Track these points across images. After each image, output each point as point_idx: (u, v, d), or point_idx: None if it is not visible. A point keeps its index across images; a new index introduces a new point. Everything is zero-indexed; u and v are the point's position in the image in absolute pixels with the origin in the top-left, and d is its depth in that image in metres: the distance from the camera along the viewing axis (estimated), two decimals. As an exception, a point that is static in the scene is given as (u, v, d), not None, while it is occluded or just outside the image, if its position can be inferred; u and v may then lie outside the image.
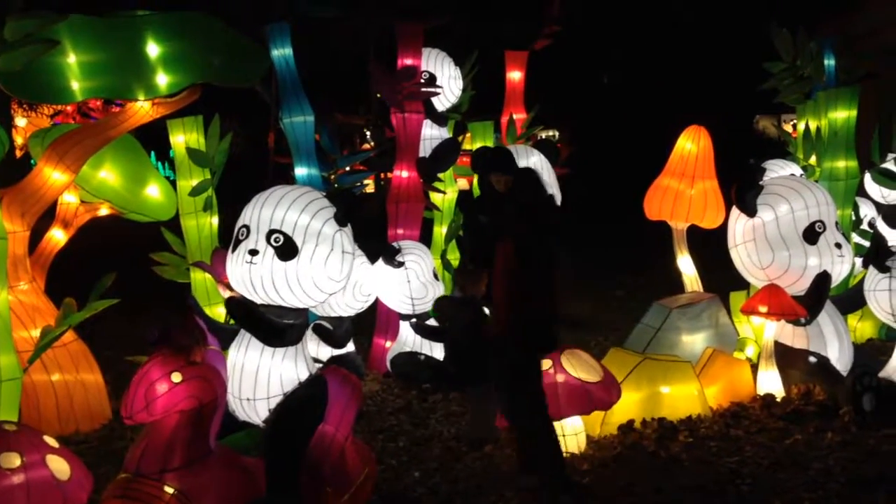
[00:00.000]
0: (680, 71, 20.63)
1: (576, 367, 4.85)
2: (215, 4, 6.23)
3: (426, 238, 7.30)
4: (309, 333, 6.19)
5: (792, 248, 5.52)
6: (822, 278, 5.53)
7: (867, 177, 7.29)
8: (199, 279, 5.79)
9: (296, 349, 4.10)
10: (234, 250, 4.11)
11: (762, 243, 5.59)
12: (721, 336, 6.11)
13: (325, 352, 6.08)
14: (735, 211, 5.78)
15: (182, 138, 5.75)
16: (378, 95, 7.58)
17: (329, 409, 4.04)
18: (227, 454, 3.84)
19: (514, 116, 8.20)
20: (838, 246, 5.58)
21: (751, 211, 5.63)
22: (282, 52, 6.75)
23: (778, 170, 6.75)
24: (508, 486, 4.48)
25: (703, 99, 18.48)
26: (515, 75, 8.51)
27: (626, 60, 20.72)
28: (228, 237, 4.67)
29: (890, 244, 6.09)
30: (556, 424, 4.83)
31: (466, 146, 8.39)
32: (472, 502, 4.36)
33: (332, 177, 7.08)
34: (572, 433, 4.87)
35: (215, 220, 5.90)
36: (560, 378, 4.80)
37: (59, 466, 3.73)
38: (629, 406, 5.17)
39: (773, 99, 7.42)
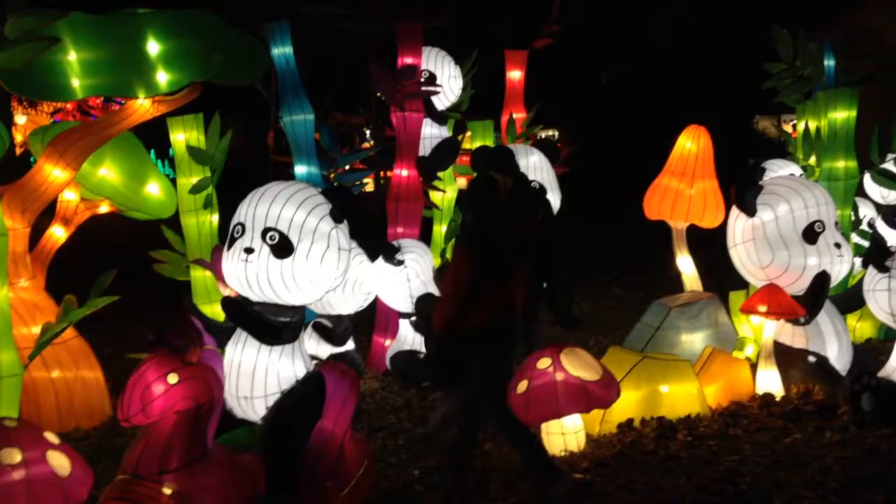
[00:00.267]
0: (680, 71, 20.65)
1: (575, 366, 4.85)
2: (216, 2, 6.22)
3: (426, 237, 7.30)
4: (308, 331, 6.23)
5: (791, 247, 5.52)
6: (822, 278, 5.54)
7: (867, 177, 7.30)
8: (199, 277, 5.80)
9: (293, 346, 4.09)
10: (229, 248, 4.07)
11: (761, 243, 5.60)
12: (720, 335, 6.13)
13: (325, 350, 6.09)
14: (734, 210, 5.78)
15: (182, 136, 5.76)
16: (378, 94, 7.59)
17: (327, 405, 4.05)
18: (224, 454, 3.83)
19: (514, 115, 8.21)
20: (838, 246, 5.59)
21: (750, 210, 5.64)
22: (282, 51, 6.76)
23: (777, 170, 6.76)
24: (508, 483, 4.48)
25: (703, 99, 18.50)
26: (515, 74, 8.52)
27: (626, 61, 20.73)
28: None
29: (889, 244, 6.10)
30: (555, 423, 4.85)
31: (466, 145, 8.40)
32: (472, 500, 4.37)
33: (332, 175, 7.09)
34: (571, 431, 4.88)
35: (215, 218, 5.91)
36: (559, 376, 4.80)
37: (59, 462, 3.71)
38: (628, 405, 5.18)
39: (773, 99, 7.43)
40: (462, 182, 8.56)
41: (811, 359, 5.60)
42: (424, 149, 7.23)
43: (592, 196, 15.45)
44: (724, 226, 6.10)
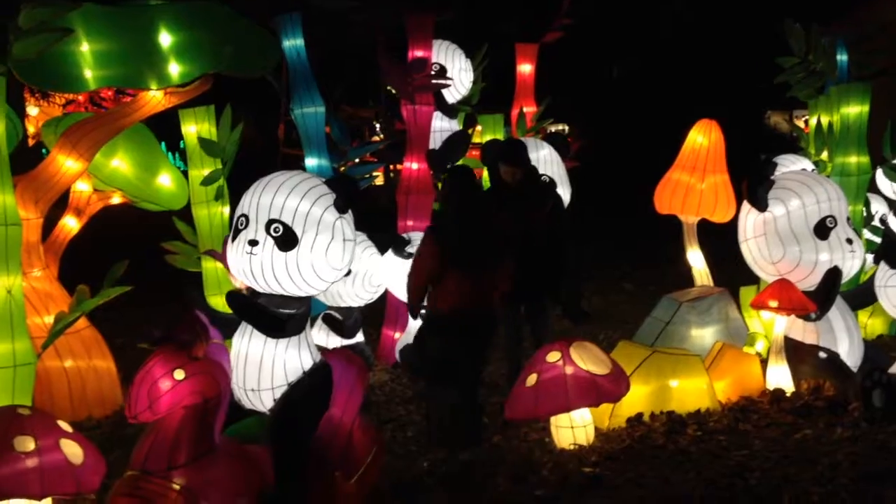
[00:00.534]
0: (692, 65, 20.56)
1: (584, 360, 4.86)
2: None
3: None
4: (318, 323, 6.25)
5: (803, 243, 5.50)
6: (833, 274, 5.52)
7: (879, 173, 7.26)
8: (210, 268, 5.82)
9: (299, 338, 4.03)
10: (233, 240, 4.01)
11: (773, 238, 5.58)
12: (731, 330, 6.11)
13: (335, 342, 6.10)
14: (746, 205, 5.76)
15: (194, 128, 5.77)
16: (388, 87, 7.59)
17: (335, 393, 4.04)
18: (232, 446, 3.83)
19: (525, 109, 8.20)
20: (849, 241, 5.56)
21: (762, 205, 5.61)
22: (293, 43, 6.77)
23: (789, 165, 6.73)
24: (518, 476, 4.50)
25: (715, 93, 18.43)
26: (526, 68, 8.51)
27: (637, 55, 20.67)
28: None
29: (901, 240, 6.06)
30: (565, 416, 4.86)
31: (476, 139, 8.40)
32: (482, 492, 4.38)
33: (343, 168, 7.10)
34: (581, 425, 4.88)
35: (226, 210, 5.92)
36: (569, 370, 4.81)
37: (72, 451, 3.75)
38: (638, 399, 5.18)
39: (785, 94, 7.39)
40: (472, 175, 8.57)
41: (822, 355, 5.58)
42: (434, 142, 7.24)
43: (603, 190, 15.42)
44: (735, 220, 6.09)
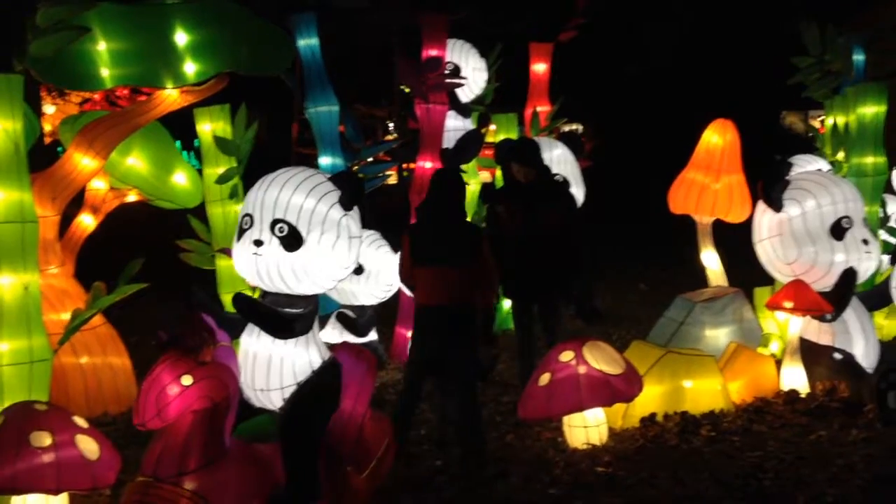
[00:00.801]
0: (707, 65, 20.47)
1: (598, 359, 4.85)
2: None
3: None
4: (332, 322, 6.27)
5: (818, 243, 5.47)
6: (849, 274, 5.49)
7: (895, 173, 7.21)
8: (225, 266, 5.83)
9: (307, 336, 3.98)
10: (238, 239, 3.97)
11: (788, 238, 5.55)
12: (745, 331, 6.09)
13: (348, 340, 6.12)
14: (761, 205, 5.74)
15: (209, 127, 5.79)
16: (402, 86, 7.60)
17: (345, 386, 4.03)
18: (242, 448, 3.82)
19: (539, 109, 8.19)
20: (865, 242, 5.53)
21: (777, 206, 5.59)
22: (308, 42, 6.79)
23: (805, 165, 6.70)
24: (529, 476, 4.50)
25: (730, 93, 18.34)
26: (540, 67, 8.50)
27: (651, 55, 20.60)
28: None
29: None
30: (578, 416, 4.86)
31: (490, 138, 8.39)
32: (493, 490, 4.38)
33: (356, 167, 7.12)
34: (594, 425, 4.88)
35: (241, 208, 5.94)
36: (582, 370, 4.80)
37: (88, 446, 3.78)
38: (651, 399, 5.17)
39: (801, 94, 7.35)
40: (485, 175, 8.58)
41: (837, 356, 5.55)
42: (448, 141, 7.24)
43: (617, 190, 15.38)
44: (749, 221, 6.06)
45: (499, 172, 6.92)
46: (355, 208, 4.04)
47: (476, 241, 4.80)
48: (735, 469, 4.52)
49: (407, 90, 8.05)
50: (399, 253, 5.20)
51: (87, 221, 6.40)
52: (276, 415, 3.98)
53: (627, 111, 21.14)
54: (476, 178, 7.77)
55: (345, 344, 4.53)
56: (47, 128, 13.88)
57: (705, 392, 5.32)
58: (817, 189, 5.56)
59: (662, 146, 14.86)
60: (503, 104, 8.35)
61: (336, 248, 3.91)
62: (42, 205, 5.42)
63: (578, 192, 6.58)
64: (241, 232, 3.96)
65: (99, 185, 6.42)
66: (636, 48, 20.55)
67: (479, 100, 7.84)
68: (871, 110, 6.72)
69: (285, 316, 3.92)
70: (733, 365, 5.57)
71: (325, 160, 6.87)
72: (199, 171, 6.24)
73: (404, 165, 11.21)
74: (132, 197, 6.59)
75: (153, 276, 5.08)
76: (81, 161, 5.72)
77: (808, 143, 7.86)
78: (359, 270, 6.27)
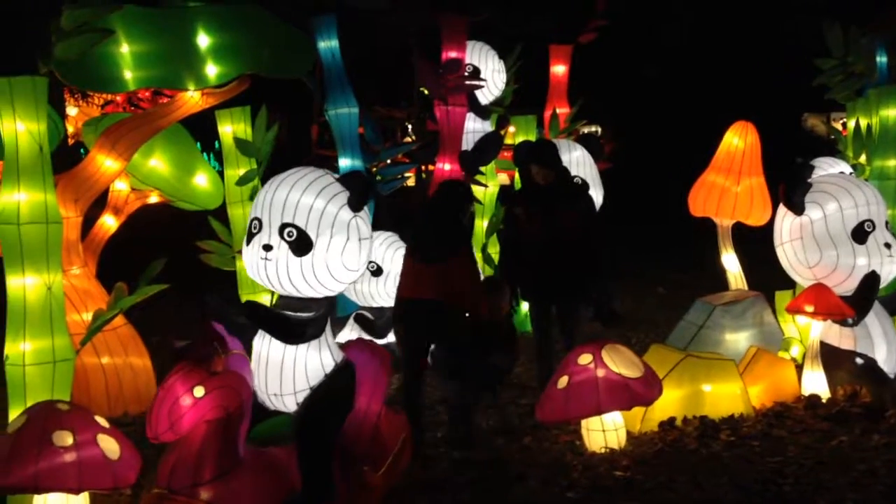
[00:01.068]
0: (728, 66, 20.36)
1: (616, 363, 4.83)
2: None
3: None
4: (350, 323, 6.29)
5: (840, 247, 5.43)
6: (871, 278, 5.44)
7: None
8: (244, 267, 5.88)
9: (319, 339, 3.95)
10: (248, 243, 3.93)
11: (809, 242, 5.51)
12: (765, 335, 6.05)
13: (367, 341, 6.13)
14: (782, 208, 5.70)
15: (230, 129, 5.84)
16: (421, 88, 7.61)
17: (359, 384, 4.02)
18: (257, 457, 3.81)
19: (558, 111, 8.17)
20: (888, 246, 5.47)
21: (798, 209, 5.55)
22: (328, 44, 6.83)
23: (827, 168, 6.63)
24: (547, 479, 4.49)
25: (751, 95, 18.22)
26: (559, 69, 8.48)
27: (671, 57, 20.50)
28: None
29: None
30: (596, 419, 4.84)
31: (509, 140, 8.38)
32: (510, 493, 4.38)
33: (375, 168, 7.15)
34: (612, 429, 4.86)
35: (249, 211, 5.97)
36: (600, 373, 4.79)
37: (109, 446, 3.81)
38: (670, 403, 5.15)
39: (823, 96, 7.30)
40: (504, 177, 8.58)
41: (859, 360, 5.50)
42: (467, 143, 7.25)
43: (637, 192, 15.32)
44: (770, 224, 6.02)
45: (517, 174, 6.91)
46: (365, 209, 4.00)
47: (455, 248, 4.96)
48: (755, 474, 4.49)
49: (426, 92, 8.05)
50: None
51: (109, 222, 6.47)
52: (291, 416, 3.98)
53: (647, 113, 21.05)
54: (494, 180, 7.77)
55: (358, 340, 4.51)
56: (70, 129, 14.02)
57: (725, 396, 5.29)
58: (839, 192, 5.51)
59: (682, 148, 14.80)
60: (522, 106, 8.35)
61: (346, 250, 3.88)
62: (65, 206, 5.48)
63: (597, 194, 6.56)
64: (251, 236, 3.91)
65: (121, 187, 6.48)
66: (654, 50, 20.46)
67: (498, 102, 7.84)
68: (894, 112, 6.65)
69: (297, 321, 3.88)
70: (753, 369, 5.53)
71: (344, 162, 6.91)
72: (220, 173, 6.29)
73: (423, 167, 11.23)
74: (154, 198, 6.65)
75: (174, 277, 5.12)
76: (104, 163, 5.78)
77: (830, 146, 7.78)
78: (377, 272, 6.29)
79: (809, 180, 5.65)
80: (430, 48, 7.29)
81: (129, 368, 5.75)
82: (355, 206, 3.91)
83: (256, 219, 3.91)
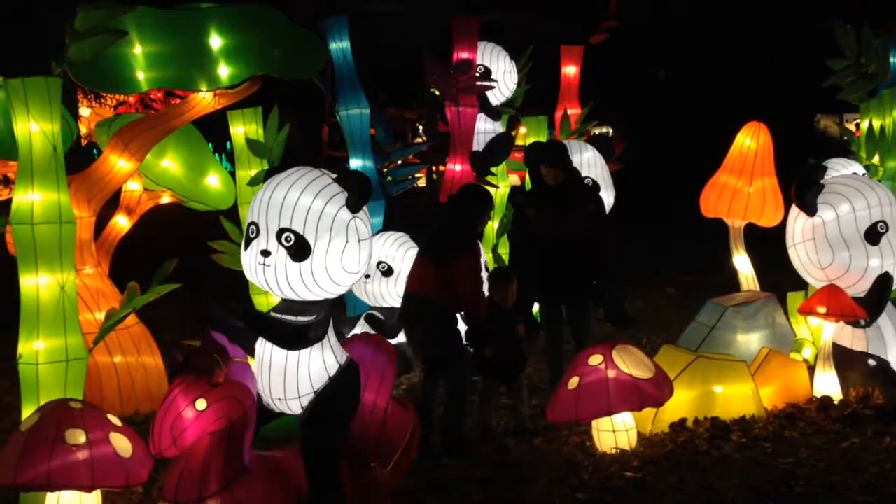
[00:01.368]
0: (740, 67, 20.29)
1: (627, 363, 4.83)
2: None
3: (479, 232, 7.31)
4: (361, 323, 6.30)
5: (853, 248, 5.40)
6: (884, 280, 5.41)
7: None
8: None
9: (322, 341, 3.90)
10: (246, 248, 3.84)
11: (822, 243, 5.48)
12: (777, 336, 6.02)
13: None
14: (794, 209, 5.68)
15: (242, 129, 5.87)
16: (432, 89, 7.62)
17: (366, 378, 3.99)
18: (262, 462, 3.80)
19: (569, 111, 8.17)
20: (901, 247, 5.44)
21: (811, 210, 5.52)
22: (339, 45, 6.85)
23: (840, 169, 6.61)
24: (556, 480, 4.49)
25: (764, 96, 18.16)
26: (571, 70, 8.48)
27: (685, 57, 20.46)
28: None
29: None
30: (606, 420, 4.84)
31: (520, 141, 8.38)
32: (520, 494, 4.38)
33: (386, 169, 7.17)
34: (623, 429, 4.85)
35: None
36: (611, 373, 4.78)
37: (121, 444, 3.83)
38: (681, 404, 5.13)
39: (836, 97, 7.26)
40: (515, 178, 8.58)
41: (871, 362, 5.48)
42: (478, 144, 7.25)
43: (648, 193, 15.29)
44: (782, 225, 6.00)
45: (528, 175, 6.91)
46: (364, 209, 3.90)
47: (461, 252, 5.00)
48: (766, 476, 4.47)
49: (437, 93, 8.06)
50: None
51: (121, 222, 6.51)
52: (298, 419, 3.94)
53: (659, 114, 21.01)
54: (505, 180, 7.77)
55: (364, 335, 4.50)
56: (83, 130, 14.11)
57: (736, 397, 5.27)
58: (852, 193, 5.48)
59: (694, 149, 14.76)
60: (533, 107, 8.34)
61: (346, 253, 3.79)
62: (78, 206, 5.51)
63: (609, 195, 6.55)
64: (248, 241, 3.83)
65: (134, 187, 6.52)
66: (666, 51, 20.43)
67: (509, 102, 7.84)
68: (908, 113, 6.63)
69: (298, 327, 3.81)
70: (765, 370, 5.51)
71: (355, 162, 6.93)
72: (232, 174, 6.32)
73: (434, 168, 11.25)
74: (166, 198, 6.69)
75: (186, 277, 5.14)
76: (117, 163, 5.82)
77: (843, 147, 7.74)
78: (388, 272, 6.30)
79: (822, 181, 5.63)
80: (441, 49, 7.30)
81: (141, 367, 5.78)
82: (354, 206, 3.82)
83: (253, 223, 3.81)
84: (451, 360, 5.05)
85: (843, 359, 5.57)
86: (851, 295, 5.43)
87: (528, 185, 6.35)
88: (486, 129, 7.37)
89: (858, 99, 7.18)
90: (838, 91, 7.18)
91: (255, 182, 5.88)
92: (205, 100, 5.92)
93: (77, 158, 6.22)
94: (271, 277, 3.76)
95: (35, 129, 4.36)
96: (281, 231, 3.72)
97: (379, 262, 6.31)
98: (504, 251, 7.67)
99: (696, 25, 19.77)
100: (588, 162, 6.53)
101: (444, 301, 4.99)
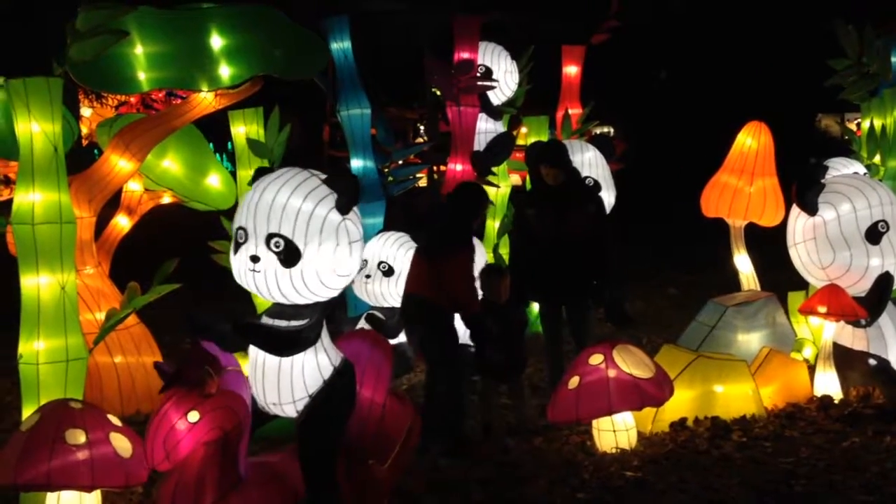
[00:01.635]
0: (741, 67, 20.29)
1: (628, 363, 4.83)
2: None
3: (479, 231, 7.31)
4: (362, 323, 6.30)
5: (854, 247, 5.40)
6: (885, 279, 5.41)
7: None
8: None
9: (315, 344, 3.83)
10: (235, 252, 3.76)
11: (823, 242, 5.48)
12: (778, 336, 6.02)
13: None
14: (795, 209, 5.67)
15: (243, 129, 5.87)
16: (433, 89, 7.62)
17: (363, 375, 3.97)
18: (257, 470, 3.78)
19: (570, 111, 8.16)
20: (902, 247, 5.44)
21: (811, 209, 5.52)
22: (340, 45, 6.85)
23: (841, 168, 6.60)
24: (557, 479, 4.49)
25: (765, 95, 18.15)
26: (572, 70, 8.47)
27: (685, 58, 20.45)
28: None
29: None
30: (607, 420, 4.84)
31: (521, 141, 8.37)
32: (521, 494, 4.38)
33: (387, 169, 7.17)
34: (623, 429, 4.85)
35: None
36: (611, 373, 4.79)
37: (121, 444, 3.83)
38: (682, 404, 5.13)
39: (837, 96, 7.26)
40: (516, 178, 8.58)
41: (872, 361, 5.48)
42: (479, 144, 7.25)
43: (649, 192, 15.28)
44: (783, 225, 6.00)
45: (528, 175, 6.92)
46: (354, 210, 3.82)
47: (455, 250, 5.02)
48: (766, 475, 4.47)
49: (438, 93, 8.07)
50: None
51: (122, 223, 6.51)
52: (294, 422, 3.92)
53: (660, 113, 21.01)
54: (506, 180, 7.76)
55: (360, 331, 4.47)
56: (84, 130, 14.13)
57: (737, 397, 5.27)
58: (853, 192, 5.48)
59: (695, 148, 14.75)
60: (534, 107, 8.34)
61: (336, 256, 3.71)
62: (79, 206, 5.52)
63: (610, 195, 6.54)
64: (237, 245, 3.74)
65: (134, 187, 6.53)
66: (667, 52, 20.42)
67: (510, 102, 7.84)
68: (909, 113, 6.62)
69: (290, 334, 3.73)
70: (765, 370, 5.51)
71: (356, 163, 6.93)
72: (233, 174, 6.32)
73: (435, 168, 11.24)
74: (167, 199, 6.69)
75: (186, 277, 5.14)
76: (118, 163, 5.82)
77: (844, 146, 7.74)
78: (388, 272, 6.30)
79: (823, 181, 5.63)
80: (442, 49, 7.30)
81: (141, 368, 5.78)
82: (343, 208, 3.73)
83: (241, 228, 3.72)
84: (447, 360, 5.05)
85: (843, 358, 5.57)
86: (852, 294, 5.43)
87: (529, 186, 6.36)
88: (487, 128, 7.37)
89: (860, 98, 7.17)
90: (839, 90, 7.17)
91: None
92: (206, 100, 5.93)
93: (78, 159, 6.23)
94: (261, 283, 3.68)
95: (36, 130, 4.36)
96: (270, 236, 3.64)
97: (380, 262, 6.31)
98: (505, 251, 7.67)
99: (697, 25, 19.76)
100: (589, 162, 6.53)
101: (441, 301, 4.99)
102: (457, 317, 5.45)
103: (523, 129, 8.16)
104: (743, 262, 6.59)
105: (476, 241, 6.64)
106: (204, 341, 3.76)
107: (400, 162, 7.34)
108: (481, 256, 6.54)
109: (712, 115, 16.88)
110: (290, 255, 3.62)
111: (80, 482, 3.70)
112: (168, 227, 10.43)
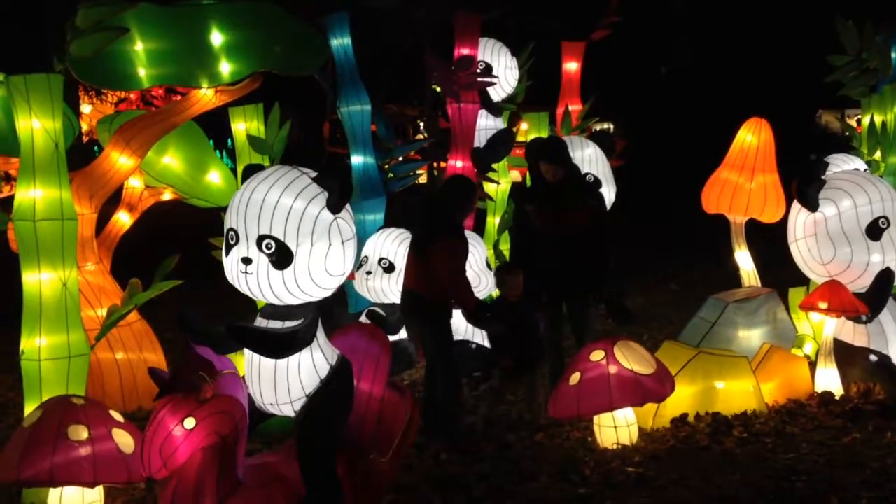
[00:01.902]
0: (742, 63, 20.27)
1: (629, 359, 4.83)
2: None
3: (479, 228, 7.33)
4: (363, 320, 6.31)
5: (854, 243, 5.40)
6: (885, 275, 5.41)
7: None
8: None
9: (311, 343, 3.78)
10: (227, 254, 3.70)
11: (823, 238, 5.48)
12: (779, 332, 6.03)
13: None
14: (796, 205, 5.67)
15: (243, 126, 5.87)
16: (434, 86, 7.62)
17: (361, 368, 3.97)
18: (256, 472, 3.76)
19: (570, 108, 8.16)
20: (903, 242, 5.44)
21: (812, 205, 5.52)
22: (340, 42, 6.85)
23: (841, 164, 6.60)
24: (561, 473, 4.50)
25: (765, 92, 18.14)
26: (572, 66, 8.47)
27: (687, 53, 20.42)
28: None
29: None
30: (608, 416, 4.85)
31: (521, 137, 8.38)
32: (522, 489, 4.39)
33: (387, 165, 7.17)
34: (624, 425, 4.86)
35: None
36: (612, 369, 4.79)
37: (124, 440, 3.85)
38: (683, 400, 5.14)
39: (837, 93, 7.26)
40: (516, 174, 8.58)
41: (872, 357, 5.48)
42: (479, 140, 7.25)
43: (650, 189, 15.27)
44: (784, 221, 6.00)
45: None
46: (347, 208, 3.74)
47: (436, 240, 5.03)
48: (767, 471, 4.48)
49: (438, 89, 8.06)
50: None
51: (123, 219, 6.52)
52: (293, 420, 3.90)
53: (660, 109, 20.98)
54: (507, 177, 7.76)
55: (357, 324, 4.45)
56: (84, 127, 14.11)
57: (737, 393, 5.27)
58: (853, 188, 5.48)
59: (695, 145, 14.75)
60: (535, 103, 8.34)
61: (329, 256, 3.65)
62: (80, 202, 5.52)
63: (610, 191, 6.54)
64: (228, 247, 3.68)
65: (135, 184, 6.53)
66: (667, 48, 20.40)
67: (510, 98, 7.83)
68: (910, 109, 6.62)
69: (284, 336, 3.68)
70: (766, 366, 5.51)
71: (357, 158, 6.93)
72: (233, 170, 6.33)
73: (435, 164, 11.24)
74: (167, 195, 6.70)
75: (187, 274, 5.15)
76: (118, 160, 5.82)
77: (845, 142, 7.73)
78: (389, 268, 6.31)
79: (823, 177, 5.63)
80: (442, 45, 7.30)
81: (143, 363, 5.78)
82: (335, 207, 3.65)
83: (232, 229, 3.65)
84: (444, 354, 5.08)
85: (844, 354, 5.57)
86: (853, 291, 5.43)
87: (529, 182, 6.36)
88: (487, 125, 7.37)
89: (860, 94, 7.17)
90: (840, 87, 7.17)
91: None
92: (206, 96, 5.93)
93: (78, 155, 6.24)
94: (254, 285, 3.63)
95: (37, 126, 4.37)
96: (261, 238, 3.57)
97: (380, 259, 6.32)
98: (505, 247, 7.68)
99: (698, 22, 19.73)
100: (589, 158, 6.52)
101: (434, 295, 5.04)
102: (457, 313, 5.50)
103: (523, 126, 8.15)
104: (744, 259, 6.59)
105: (476, 236, 6.67)
106: (197, 345, 3.73)
107: (400, 158, 7.34)
108: (482, 252, 6.55)
109: (713, 112, 16.86)
110: (282, 257, 3.57)
111: (82, 478, 3.72)
112: (169, 224, 10.43)
